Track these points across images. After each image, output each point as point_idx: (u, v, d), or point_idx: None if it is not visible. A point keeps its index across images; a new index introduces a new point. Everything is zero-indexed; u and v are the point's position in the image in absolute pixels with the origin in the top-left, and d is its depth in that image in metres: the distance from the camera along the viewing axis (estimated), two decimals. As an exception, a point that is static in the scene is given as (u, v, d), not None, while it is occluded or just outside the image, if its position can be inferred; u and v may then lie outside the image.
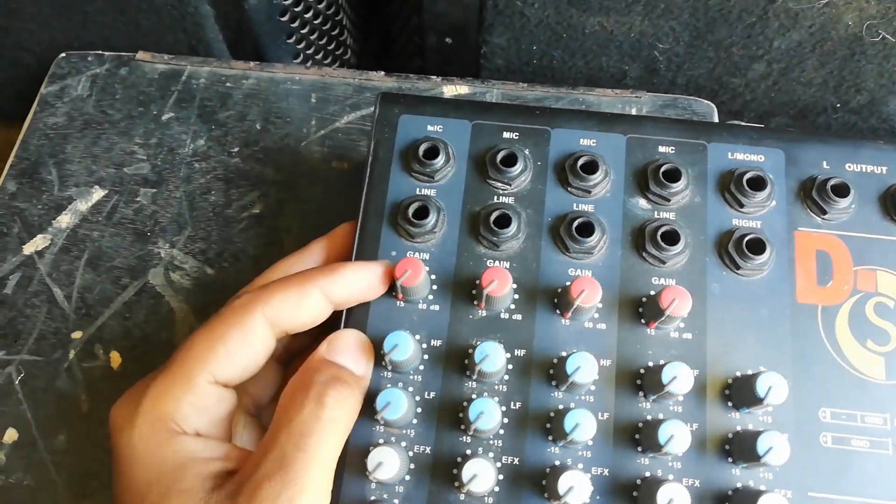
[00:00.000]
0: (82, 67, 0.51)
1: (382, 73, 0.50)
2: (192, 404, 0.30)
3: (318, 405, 0.29)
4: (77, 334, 0.43)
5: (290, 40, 0.54)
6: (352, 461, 0.32)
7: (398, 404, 0.31)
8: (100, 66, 0.51)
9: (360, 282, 0.33)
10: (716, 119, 0.48)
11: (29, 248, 0.45)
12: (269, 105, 0.50)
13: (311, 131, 0.49)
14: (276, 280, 0.33)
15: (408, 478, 0.32)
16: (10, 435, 0.41)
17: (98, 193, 0.47)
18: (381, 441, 0.32)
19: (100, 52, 0.52)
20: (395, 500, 0.31)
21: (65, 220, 0.46)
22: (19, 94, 0.58)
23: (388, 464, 0.30)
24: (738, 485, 0.31)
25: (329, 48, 0.57)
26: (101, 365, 0.42)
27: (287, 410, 0.30)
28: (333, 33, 0.57)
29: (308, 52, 0.55)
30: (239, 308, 0.31)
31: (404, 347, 0.31)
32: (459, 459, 0.32)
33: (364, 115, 0.49)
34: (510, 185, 0.36)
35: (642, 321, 0.34)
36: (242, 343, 0.31)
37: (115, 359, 0.42)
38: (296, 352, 0.37)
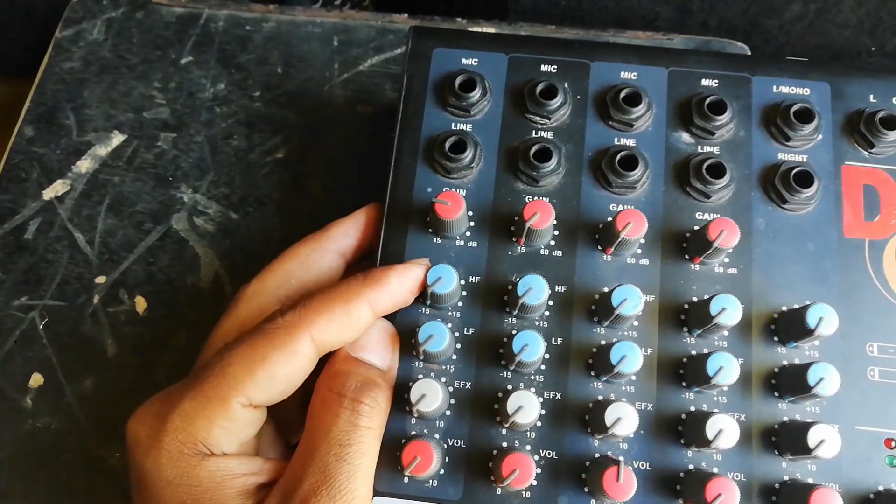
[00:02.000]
0: (97, 11, 0.50)
1: (406, 14, 0.49)
2: (224, 428, 0.28)
3: (353, 413, 0.28)
4: (101, 279, 0.42)
5: (310, -16, 0.52)
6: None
7: (441, 337, 0.30)
8: (115, 10, 0.50)
9: (403, 290, 0.31)
10: (749, 62, 0.46)
11: (49, 194, 0.45)
12: (290, 48, 0.48)
13: (334, 75, 0.48)
14: (317, 297, 0.30)
15: (448, 412, 0.31)
16: (36, 379, 0.40)
17: (117, 138, 0.46)
18: (420, 376, 0.31)
19: (114, -6, 0.50)
20: (437, 435, 0.31)
21: (84, 164, 0.45)
22: (33, 45, 0.56)
23: (430, 396, 0.29)
24: (785, 418, 0.31)
25: (348, -7, 0.56)
26: (126, 309, 0.42)
27: (322, 420, 0.29)
28: (353, -23, 0.56)
29: (327, -4, 0.54)
30: (283, 329, 0.29)
31: (448, 280, 0.31)
32: (500, 395, 0.31)
33: (388, 59, 0.48)
34: (549, 119, 0.35)
35: (686, 256, 0.33)
36: (285, 367, 0.29)
37: (141, 303, 0.42)
38: None
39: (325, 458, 0.28)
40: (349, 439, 0.28)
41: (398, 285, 0.31)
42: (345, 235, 0.34)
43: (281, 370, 0.29)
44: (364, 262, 0.35)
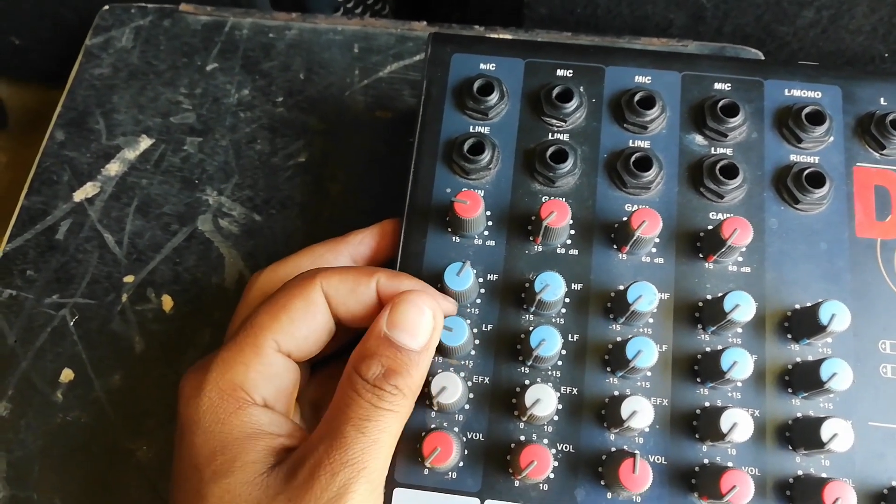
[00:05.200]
0: (126, 19, 0.52)
1: (424, 22, 0.50)
2: (260, 372, 0.30)
3: (374, 396, 0.29)
4: (129, 278, 0.44)
5: (331, -7, 0.54)
6: (412, 390, 0.32)
7: (460, 331, 0.31)
8: (143, 18, 0.52)
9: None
10: (762, 67, 0.47)
11: (79, 196, 0.46)
12: (312, 55, 0.50)
13: (355, 81, 0.49)
14: (339, 265, 0.33)
15: (467, 406, 0.32)
16: (67, 374, 0.42)
17: (145, 142, 0.47)
18: (440, 371, 0.32)
19: (142, 3, 0.52)
20: (456, 428, 0.32)
21: (113, 168, 0.47)
22: (61, 54, 0.58)
23: (451, 388, 0.30)
24: (799, 413, 0.31)
25: (367, 2, 0.57)
26: (153, 308, 0.43)
27: (346, 395, 0.29)
28: (373, -14, 0.57)
29: (348, 5, 0.55)
30: (299, 280, 0.32)
31: (465, 277, 0.32)
32: (518, 389, 0.32)
33: (407, 65, 0.49)
34: (565, 122, 0.36)
35: (700, 255, 0.34)
36: (304, 312, 0.31)
37: (167, 302, 0.43)
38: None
39: (343, 428, 0.28)
40: (369, 415, 0.28)
41: (408, 291, 0.31)
42: (360, 243, 0.36)
43: (300, 315, 0.31)
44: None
